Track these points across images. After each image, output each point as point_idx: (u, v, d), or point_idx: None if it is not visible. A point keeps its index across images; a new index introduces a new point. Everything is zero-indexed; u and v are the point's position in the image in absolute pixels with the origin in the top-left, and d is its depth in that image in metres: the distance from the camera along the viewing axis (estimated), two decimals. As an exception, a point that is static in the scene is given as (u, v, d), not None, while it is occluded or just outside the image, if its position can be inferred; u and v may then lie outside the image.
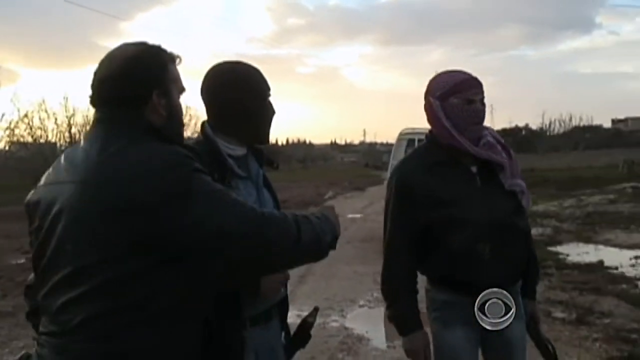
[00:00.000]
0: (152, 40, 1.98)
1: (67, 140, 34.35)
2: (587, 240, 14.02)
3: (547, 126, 67.65)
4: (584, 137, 67.51)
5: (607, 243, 13.60)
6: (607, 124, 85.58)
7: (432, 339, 2.86)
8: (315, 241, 1.92)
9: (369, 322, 7.56)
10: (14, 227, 15.35)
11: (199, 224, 1.70)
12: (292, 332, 2.59)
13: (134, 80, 1.86)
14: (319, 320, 2.63)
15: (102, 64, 1.91)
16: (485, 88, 2.76)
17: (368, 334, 6.95)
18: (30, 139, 34.63)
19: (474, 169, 2.78)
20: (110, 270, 1.69)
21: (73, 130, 34.21)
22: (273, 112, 2.46)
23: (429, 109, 2.78)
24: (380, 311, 8.14)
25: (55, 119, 33.71)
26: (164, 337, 1.77)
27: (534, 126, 70.34)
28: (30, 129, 33.95)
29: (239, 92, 2.34)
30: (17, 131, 33.76)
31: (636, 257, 11.62)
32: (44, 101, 33.42)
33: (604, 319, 7.12)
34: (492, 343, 2.82)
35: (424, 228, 2.75)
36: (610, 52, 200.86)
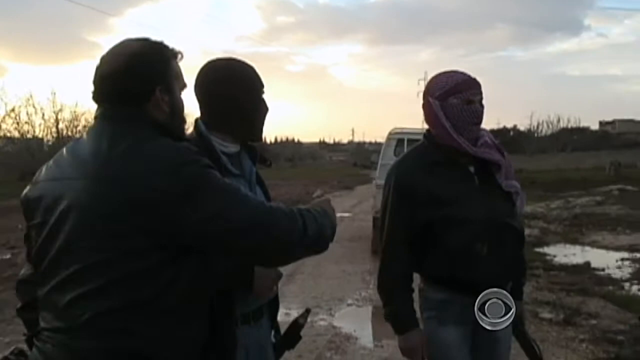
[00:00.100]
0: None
1: (54, 135, 34.27)
2: (574, 241, 14.12)
3: (535, 127, 67.84)
4: (572, 138, 67.78)
5: (594, 245, 13.70)
6: (595, 126, 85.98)
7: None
8: (319, 234, 1.94)
9: (357, 321, 7.58)
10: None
11: (213, 219, 1.73)
12: (281, 331, 2.57)
13: (138, 76, 1.86)
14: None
15: (105, 59, 1.90)
16: (478, 89, 2.78)
17: (356, 332, 6.96)
18: (17, 134, 34.47)
19: (471, 168, 2.80)
20: (123, 267, 1.70)
21: (60, 125, 34.18)
22: (267, 109, 2.44)
23: (428, 108, 2.79)
24: (368, 310, 8.16)
25: (43, 114, 33.70)
26: (172, 332, 1.79)
27: (522, 127, 70.53)
28: (17, 123, 33.84)
29: (234, 88, 2.32)
30: (4, 126, 33.63)
31: (622, 259, 11.71)
32: (31, 96, 33.40)
33: (591, 320, 7.17)
34: (481, 342, 2.84)
35: (422, 227, 2.76)
36: (599, 54, 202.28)
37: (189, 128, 2.31)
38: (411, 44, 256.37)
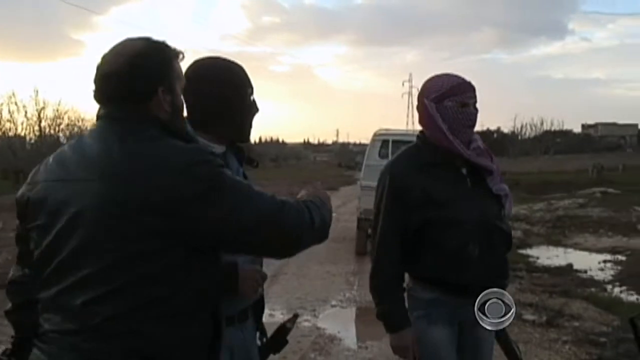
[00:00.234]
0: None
1: (37, 133, 34.02)
2: (557, 243, 14.23)
3: (519, 130, 68.19)
4: (555, 141, 68.35)
5: (577, 247, 13.82)
6: (578, 129, 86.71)
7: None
8: (323, 224, 1.99)
9: (341, 322, 7.59)
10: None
11: (228, 218, 1.75)
12: (267, 333, 2.56)
13: (141, 76, 1.84)
14: (291, 320, 2.65)
15: (106, 59, 1.87)
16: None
17: (340, 333, 6.96)
18: (-2, 132, 34.13)
19: (464, 170, 2.83)
20: (138, 268, 1.70)
21: (43, 123, 33.90)
22: (256, 110, 2.42)
23: (423, 110, 2.82)
24: (352, 311, 8.17)
25: (25, 112, 33.41)
26: (183, 333, 1.79)
27: (506, 130, 70.84)
28: (-1, 121, 33.48)
29: (222, 88, 2.29)
30: (-15, 124, 33.28)
31: (605, 261, 11.81)
32: (13, 94, 33.15)
33: (574, 322, 7.21)
34: (465, 341, 2.88)
35: (415, 227, 2.78)
36: (582, 58, 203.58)
37: None
38: (396, 46, 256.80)
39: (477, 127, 2.88)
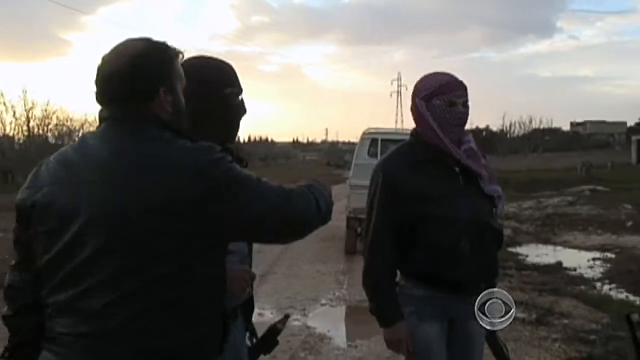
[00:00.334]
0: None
1: (25, 134, 33.85)
2: (546, 241, 14.27)
3: (508, 128, 68.21)
4: (544, 139, 68.50)
5: (566, 244, 13.86)
6: (566, 127, 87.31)
7: None
8: (327, 208, 2.02)
9: (330, 321, 7.58)
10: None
11: (243, 212, 1.77)
12: (257, 333, 2.54)
13: (143, 77, 1.83)
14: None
15: (107, 60, 1.86)
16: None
17: (330, 332, 6.95)
18: (-14, 133, 33.95)
19: (457, 168, 2.84)
20: (156, 269, 1.70)
21: (32, 123, 33.72)
22: (244, 112, 2.40)
23: (415, 109, 2.85)
24: (341, 310, 8.17)
25: (14, 112, 33.21)
26: (199, 331, 1.81)
27: (494, 128, 71.07)
28: (-13, 122, 33.31)
29: (210, 88, 2.27)
30: (-27, 124, 33.11)
31: (594, 259, 11.86)
32: (2, 94, 32.94)
33: (563, 320, 7.23)
34: (456, 338, 2.89)
35: (408, 224, 2.79)
36: (571, 56, 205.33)
37: None
38: (385, 45, 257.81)
39: (466, 126, 2.88)
